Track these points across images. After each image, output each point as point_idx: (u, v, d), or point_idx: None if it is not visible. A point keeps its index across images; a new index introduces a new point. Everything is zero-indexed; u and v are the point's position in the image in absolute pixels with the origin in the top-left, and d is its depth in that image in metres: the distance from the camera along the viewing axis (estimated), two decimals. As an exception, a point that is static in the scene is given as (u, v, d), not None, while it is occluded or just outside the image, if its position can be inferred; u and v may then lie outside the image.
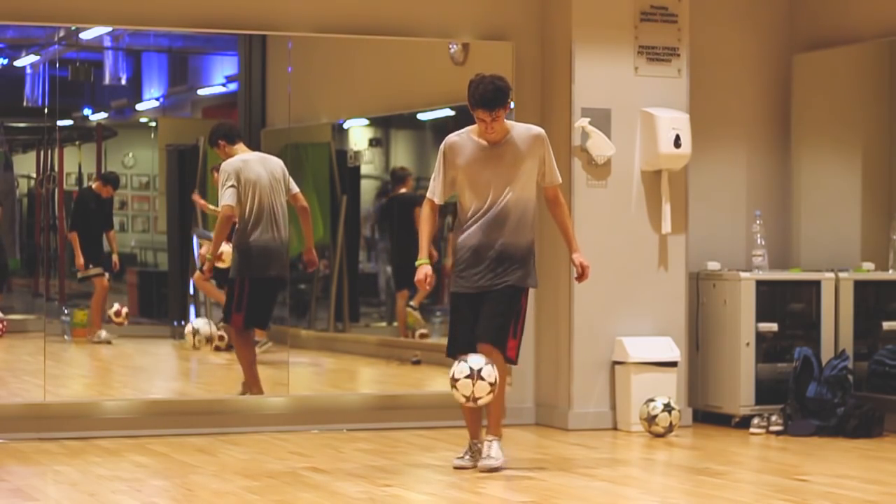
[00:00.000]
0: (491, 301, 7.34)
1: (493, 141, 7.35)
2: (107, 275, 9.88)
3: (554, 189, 7.54)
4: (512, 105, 7.49)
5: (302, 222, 9.29)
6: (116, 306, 9.83)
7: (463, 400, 7.19)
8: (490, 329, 7.31)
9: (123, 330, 10.02)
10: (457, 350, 7.34)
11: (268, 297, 9.21)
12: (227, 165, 8.96)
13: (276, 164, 9.09)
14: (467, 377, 7.11)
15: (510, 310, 7.36)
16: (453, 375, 7.18)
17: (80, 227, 9.72)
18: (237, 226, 9.02)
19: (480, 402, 7.19)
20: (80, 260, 9.70)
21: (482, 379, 7.12)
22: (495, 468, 7.31)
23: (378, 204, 10.98)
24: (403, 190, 10.78)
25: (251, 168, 8.98)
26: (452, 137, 7.45)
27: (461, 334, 7.40)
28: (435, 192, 7.45)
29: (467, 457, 7.45)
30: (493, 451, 7.36)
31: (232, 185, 8.90)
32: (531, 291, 7.61)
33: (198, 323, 9.48)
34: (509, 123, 7.42)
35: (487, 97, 7.17)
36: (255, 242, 9.00)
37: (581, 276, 7.62)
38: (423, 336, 10.65)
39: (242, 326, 9.05)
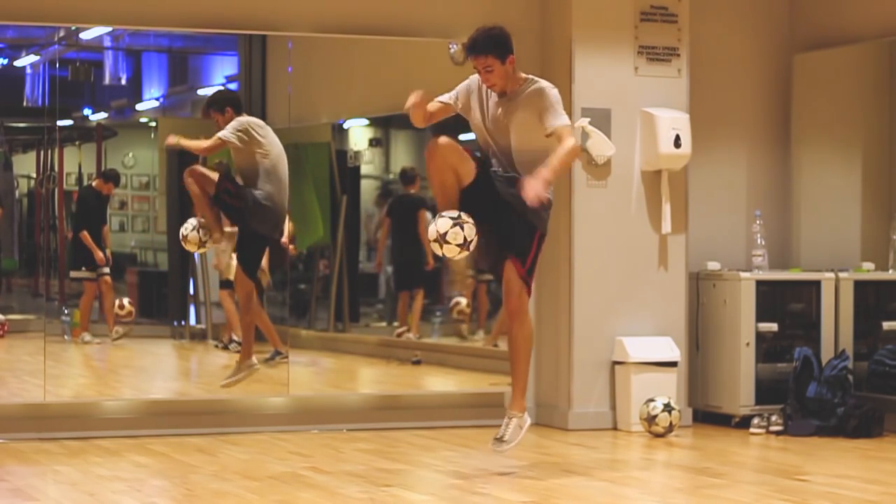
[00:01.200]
0: (510, 216, 7.15)
1: (499, 91, 7.22)
2: (108, 277, 9.86)
3: (558, 131, 7.07)
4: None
5: None
6: (122, 301, 9.83)
7: (457, 251, 6.96)
8: (514, 244, 7.16)
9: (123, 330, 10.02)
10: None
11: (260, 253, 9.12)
12: (255, 124, 8.79)
13: None
14: (454, 226, 6.91)
15: (531, 239, 7.19)
16: (438, 231, 6.92)
17: (86, 225, 9.73)
18: (255, 178, 8.84)
19: (472, 245, 6.96)
20: (100, 254, 9.71)
21: (467, 222, 6.93)
22: (502, 452, 7.25)
23: (386, 202, 10.97)
24: (412, 191, 10.79)
25: (272, 137, 8.87)
26: (477, 78, 7.30)
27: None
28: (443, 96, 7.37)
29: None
30: (508, 431, 7.24)
31: (242, 137, 8.73)
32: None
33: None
34: (526, 78, 7.25)
35: (472, 43, 7.15)
36: (272, 200, 8.87)
37: (524, 189, 7.02)
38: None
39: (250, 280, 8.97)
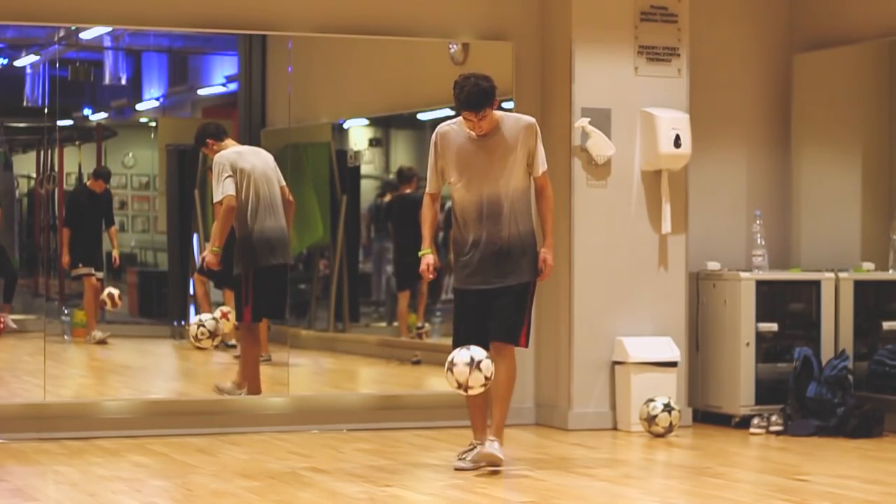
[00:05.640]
0: (502, 300, 7.36)
1: (482, 134, 7.34)
2: (96, 275, 9.84)
3: (542, 179, 7.47)
4: (504, 104, 7.44)
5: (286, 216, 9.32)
6: (107, 290, 9.79)
7: (455, 386, 7.14)
8: (503, 328, 7.34)
9: (123, 330, 10.00)
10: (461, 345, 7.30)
11: (276, 286, 9.18)
12: (221, 157, 8.95)
13: (268, 155, 9.13)
14: (466, 364, 7.07)
15: (522, 307, 7.39)
16: (452, 360, 7.13)
17: (72, 224, 9.70)
18: (237, 218, 8.99)
19: (471, 392, 7.14)
20: (66, 258, 9.68)
21: (479, 370, 7.08)
22: (495, 459, 7.30)
23: (380, 202, 10.97)
24: (408, 190, 10.79)
25: (245, 158, 9.00)
26: (444, 127, 7.46)
27: (466, 331, 7.40)
28: (430, 183, 7.52)
29: (468, 457, 7.43)
30: (494, 446, 7.35)
31: (229, 176, 8.89)
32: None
33: (204, 316, 9.31)
34: (499, 114, 7.40)
35: (472, 99, 7.18)
36: (258, 233, 9.00)
37: (541, 274, 7.47)
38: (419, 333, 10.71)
39: (251, 320, 9.04)
